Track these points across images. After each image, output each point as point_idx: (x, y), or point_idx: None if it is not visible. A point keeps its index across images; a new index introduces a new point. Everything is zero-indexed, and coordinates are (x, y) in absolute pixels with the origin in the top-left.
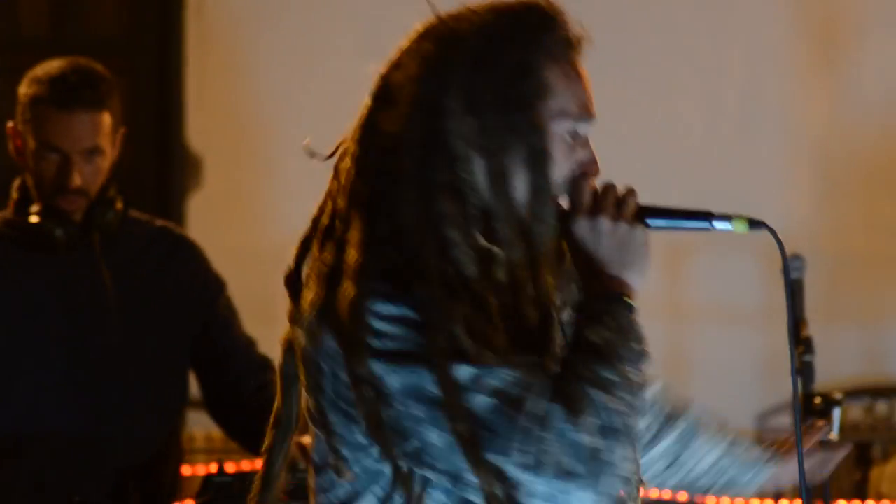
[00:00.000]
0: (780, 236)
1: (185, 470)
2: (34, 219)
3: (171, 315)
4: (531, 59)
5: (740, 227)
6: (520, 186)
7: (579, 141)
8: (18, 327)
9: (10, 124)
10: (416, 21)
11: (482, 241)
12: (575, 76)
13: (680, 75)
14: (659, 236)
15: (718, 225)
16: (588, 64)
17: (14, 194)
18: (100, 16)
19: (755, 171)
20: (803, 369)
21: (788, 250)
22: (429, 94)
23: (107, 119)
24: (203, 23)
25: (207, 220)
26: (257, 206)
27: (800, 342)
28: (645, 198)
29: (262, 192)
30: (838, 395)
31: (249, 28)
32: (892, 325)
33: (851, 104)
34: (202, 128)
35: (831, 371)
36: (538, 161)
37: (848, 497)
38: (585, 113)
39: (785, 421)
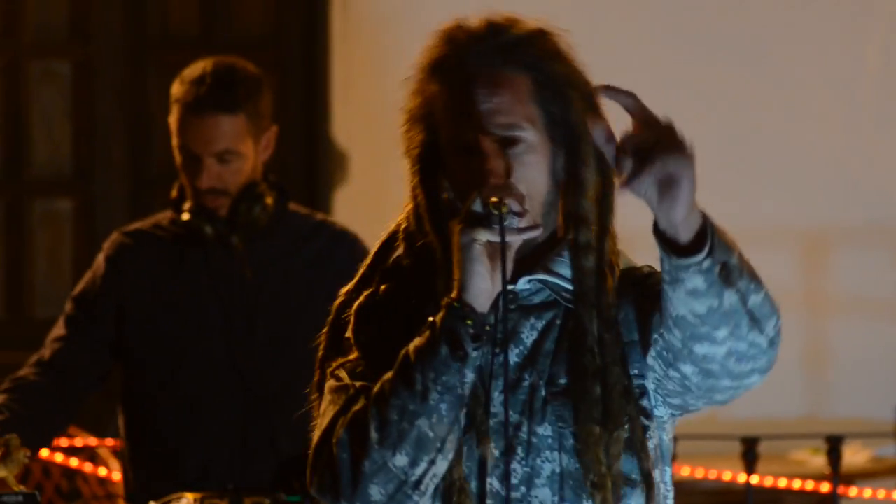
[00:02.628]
0: None
1: None
2: (185, 216)
3: (318, 313)
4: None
5: None
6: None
7: (474, 154)
8: (181, 318)
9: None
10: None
11: None
12: (455, 97)
13: (817, 68)
14: (796, 229)
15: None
16: (726, 59)
17: (173, 192)
18: (248, 13)
19: (895, 165)
20: None
21: None
22: None
23: (241, 122)
24: (348, 18)
25: (353, 214)
26: (403, 201)
27: None
28: (788, 192)
29: (408, 186)
30: None
31: (394, 22)
32: None
33: None
34: (348, 123)
35: None
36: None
37: None
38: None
39: None
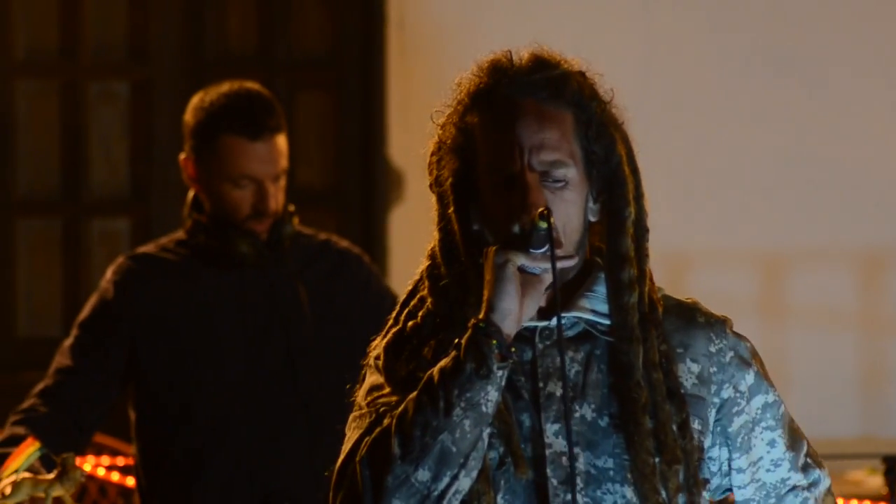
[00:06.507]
0: None
1: None
2: (222, 238)
3: (336, 329)
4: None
5: None
6: None
7: (515, 186)
8: (198, 342)
9: (182, 156)
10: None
11: None
12: (499, 127)
13: (875, 89)
14: (854, 248)
15: None
16: (785, 79)
17: (193, 214)
18: (305, 32)
19: None
20: None
21: None
22: None
23: (285, 139)
24: (405, 37)
25: (410, 234)
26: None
27: None
28: (846, 212)
29: (433, 220)
30: None
31: (451, 42)
32: None
33: None
34: (405, 143)
35: None
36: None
37: None
38: (501, 163)
39: None
